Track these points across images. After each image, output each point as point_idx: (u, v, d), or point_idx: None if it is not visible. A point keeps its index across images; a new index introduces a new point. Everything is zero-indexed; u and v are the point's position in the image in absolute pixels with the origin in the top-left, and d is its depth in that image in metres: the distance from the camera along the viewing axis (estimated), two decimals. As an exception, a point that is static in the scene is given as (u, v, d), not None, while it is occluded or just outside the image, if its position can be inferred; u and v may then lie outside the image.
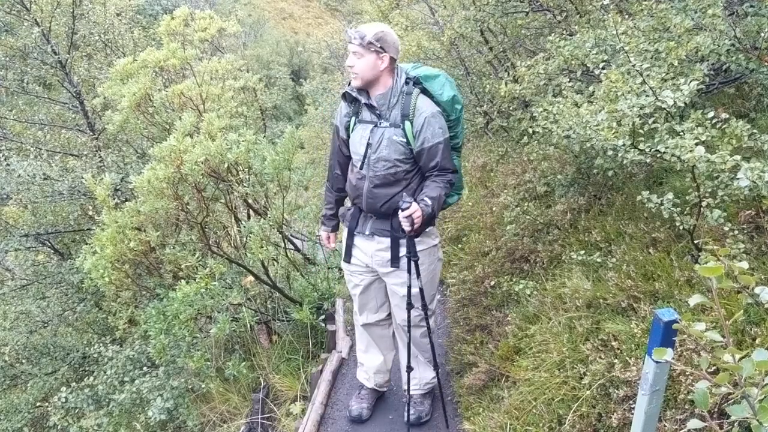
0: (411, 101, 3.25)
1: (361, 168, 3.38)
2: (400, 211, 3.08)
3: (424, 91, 3.34)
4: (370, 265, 3.62)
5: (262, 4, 37.86)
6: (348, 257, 3.69)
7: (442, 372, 4.59)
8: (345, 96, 3.38)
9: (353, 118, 3.40)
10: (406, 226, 3.12)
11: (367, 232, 3.53)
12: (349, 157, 3.51)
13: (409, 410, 3.94)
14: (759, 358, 0.98)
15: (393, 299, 3.73)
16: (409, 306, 3.49)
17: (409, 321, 3.58)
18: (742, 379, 0.99)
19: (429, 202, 3.19)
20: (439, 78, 3.38)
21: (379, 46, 3.17)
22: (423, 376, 4.02)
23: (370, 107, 3.31)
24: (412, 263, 3.34)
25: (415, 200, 3.18)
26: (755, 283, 1.18)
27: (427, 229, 3.54)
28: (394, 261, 3.51)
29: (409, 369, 3.80)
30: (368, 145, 3.31)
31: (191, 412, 5.67)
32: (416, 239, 3.41)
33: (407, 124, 3.24)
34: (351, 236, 3.63)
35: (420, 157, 3.31)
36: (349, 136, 3.44)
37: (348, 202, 3.78)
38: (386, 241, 3.49)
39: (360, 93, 3.30)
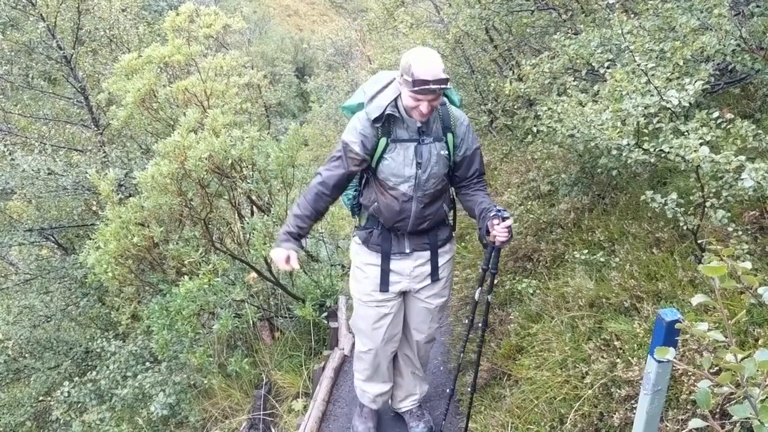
0: (448, 112, 3.09)
1: (408, 190, 3.08)
2: (499, 221, 2.87)
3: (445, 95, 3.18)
4: (405, 288, 3.37)
5: (267, 1, 37.88)
6: (386, 286, 3.34)
7: (444, 370, 4.61)
8: (377, 119, 2.99)
9: (383, 139, 3.01)
10: (504, 236, 2.90)
11: (407, 250, 3.28)
12: (349, 180, 3.22)
13: (414, 424, 3.91)
14: (761, 358, 0.98)
15: (420, 316, 3.51)
16: (471, 322, 3.40)
17: (430, 336, 3.54)
18: (744, 379, 0.99)
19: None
20: None
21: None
22: (422, 391, 3.98)
23: (412, 127, 3.02)
24: (489, 277, 3.15)
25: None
26: (758, 283, 1.18)
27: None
28: (434, 274, 3.36)
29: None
30: (418, 164, 3.02)
31: (193, 408, 5.69)
32: (445, 248, 3.37)
33: (449, 135, 3.07)
34: (387, 260, 3.30)
35: (461, 166, 3.16)
36: (378, 160, 3.06)
37: (356, 221, 3.51)
38: (426, 255, 3.32)
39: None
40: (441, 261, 3.36)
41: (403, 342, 3.66)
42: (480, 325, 3.38)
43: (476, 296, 3.30)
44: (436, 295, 3.43)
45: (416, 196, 3.09)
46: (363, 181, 3.30)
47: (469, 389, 3.59)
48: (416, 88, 2.76)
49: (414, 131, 3.01)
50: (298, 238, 3.18)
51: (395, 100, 2.99)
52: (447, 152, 3.08)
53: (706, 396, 1.05)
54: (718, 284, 1.07)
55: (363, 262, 3.38)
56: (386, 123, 2.99)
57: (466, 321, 3.50)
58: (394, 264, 3.31)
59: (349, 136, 3.04)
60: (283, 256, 3.07)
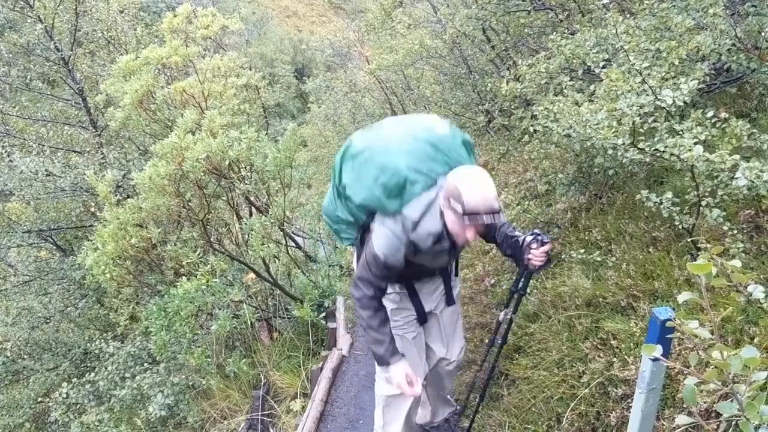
0: None
1: (441, 264, 2.96)
2: (538, 245, 2.70)
3: None
4: (429, 308, 3.18)
5: (266, 2, 37.85)
6: (423, 317, 3.15)
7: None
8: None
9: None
10: (541, 261, 2.72)
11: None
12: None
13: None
14: (747, 355, 0.99)
15: (446, 331, 3.31)
16: (504, 341, 3.26)
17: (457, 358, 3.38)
18: (731, 377, 0.99)
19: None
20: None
21: None
22: (448, 409, 3.83)
23: None
24: (516, 298, 3.04)
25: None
26: (750, 280, 1.19)
27: None
28: (449, 299, 3.22)
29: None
30: (450, 251, 2.82)
31: (192, 409, 5.69)
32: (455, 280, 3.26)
33: None
34: (416, 297, 3.10)
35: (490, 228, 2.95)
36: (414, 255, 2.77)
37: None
38: (440, 278, 3.17)
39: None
40: (454, 290, 3.24)
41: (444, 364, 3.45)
42: (499, 341, 3.27)
43: (500, 317, 3.14)
44: (452, 317, 3.29)
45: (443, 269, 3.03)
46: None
47: (464, 388, 3.59)
48: (466, 218, 2.45)
49: None
50: (395, 345, 2.82)
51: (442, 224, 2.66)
52: None
53: (692, 393, 1.05)
54: (704, 281, 1.08)
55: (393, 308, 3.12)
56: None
57: (487, 340, 3.38)
58: (423, 295, 3.13)
59: (392, 259, 2.69)
60: (404, 377, 2.73)
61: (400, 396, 3.16)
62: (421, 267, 2.91)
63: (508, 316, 3.13)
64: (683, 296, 1.16)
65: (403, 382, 2.72)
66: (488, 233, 2.93)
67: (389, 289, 2.99)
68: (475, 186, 2.46)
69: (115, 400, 5.82)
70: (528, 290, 3.07)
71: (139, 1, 10.95)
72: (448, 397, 3.75)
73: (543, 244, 2.67)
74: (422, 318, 3.11)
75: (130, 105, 6.77)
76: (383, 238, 2.68)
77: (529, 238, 2.71)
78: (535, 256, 2.68)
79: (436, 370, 3.42)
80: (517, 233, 2.83)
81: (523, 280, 2.91)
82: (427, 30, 8.32)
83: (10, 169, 7.52)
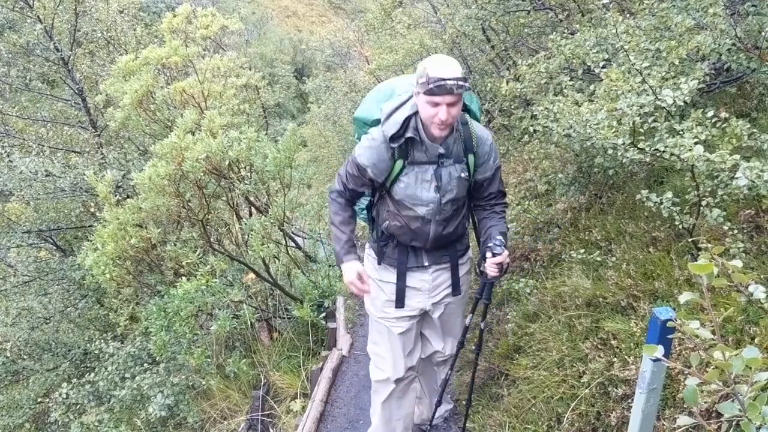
0: (471, 131, 2.87)
1: (426, 213, 2.90)
2: (490, 256, 2.76)
3: (467, 111, 2.98)
4: (424, 306, 3.16)
5: (266, 2, 37.87)
6: (401, 302, 3.13)
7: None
8: (395, 138, 2.77)
9: (399, 161, 2.81)
10: (495, 272, 2.78)
11: (426, 263, 3.09)
12: (361, 195, 3.07)
13: None
14: (749, 355, 0.98)
15: (443, 329, 3.35)
16: (461, 345, 3.28)
17: (455, 358, 3.40)
18: (732, 377, 0.99)
19: (504, 240, 2.83)
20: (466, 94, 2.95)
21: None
22: (445, 408, 3.88)
23: (432, 150, 2.82)
24: (482, 306, 3.09)
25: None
26: (752, 280, 1.18)
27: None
28: (456, 288, 3.18)
29: (439, 404, 3.61)
30: (437, 188, 2.84)
31: (192, 409, 5.69)
32: (464, 259, 3.20)
33: (471, 156, 2.87)
34: (403, 277, 3.10)
35: (481, 185, 2.98)
36: (393, 181, 2.87)
37: (370, 233, 3.29)
38: (446, 268, 3.15)
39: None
40: (461, 272, 3.19)
41: (434, 360, 3.52)
42: (474, 348, 3.36)
43: (467, 321, 3.21)
44: (456, 310, 3.29)
45: (435, 220, 2.92)
46: (377, 195, 3.07)
47: (465, 388, 3.59)
48: (432, 86, 2.53)
49: (434, 155, 2.81)
50: (354, 246, 2.96)
51: (414, 117, 2.77)
52: (467, 174, 2.88)
53: (693, 393, 1.05)
54: (705, 281, 1.08)
55: (377, 278, 3.17)
56: (404, 145, 2.78)
57: (457, 344, 3.37)
58: (411, 280, 3.11)
59: (362, 159, 2.83)
60: (355, 275, 2.86)
61: (383, 382, 3.31)
62: (405, 228, 2.96)
63: (480, 325, 3.20)
64: (684, 297, 1.16)
65: (353, 279, 2.86)
66: (480, 222, 3.05)
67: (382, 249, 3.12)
68: (438, 60, 2.62)
69: (114, 400, 5.81)
70: (491, 300, 3.14)
71: (138, 2, 10.95)
72: (446, 394, 3.77)
73: (494, 255, 2.75)
74: (400, 302, 3.13)
75: (129, 105, 6.77)
76: (363, 141, 2.90)
77: (487, 247, 2.80)
78: (488, 267, 2.78)
79: (430, 359, 3.50)
80: (491, 229, 2.92)
81: (485, 289, 2.99)
82: (427, 30, 8.32)
83: (10, 169, 7.52)
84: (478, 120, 3.03)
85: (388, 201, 2.97)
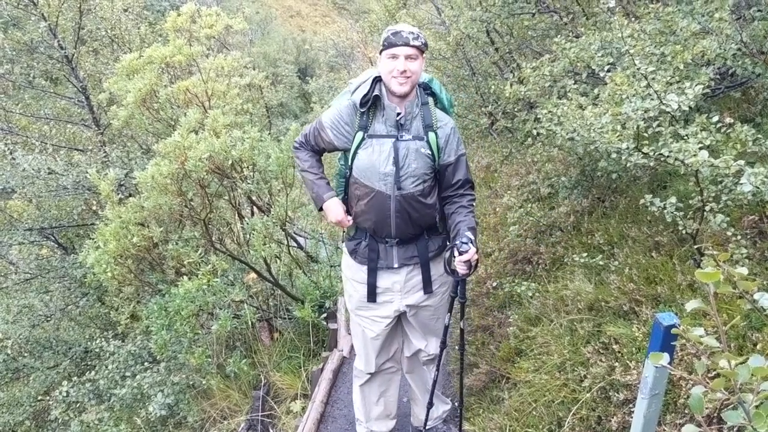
0: (430, 111, 2.95)
1: (384, 188, 2.92)
2: (456, 253, 2.76)
3: (432, 96, 3.05)
4: (398, 307, 3.20)
5: (270, 2, 37.92)
6: (373, 297, 3.19)
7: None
8: (364, 103, 2.88)
9: (359, 134, 2.91)
10: (464, 270, 2.78)
11: (395, 265, 3.11)
12: (322, 152, 3.17)
13: None
14: (755, 364, 0.98)
15: (423, 330, 3.37)
16: (443, 345, 3.26)
17: (440, 358, 3.36)
18: (738, 385, 0.98)
19: (473, 236, 2.81)
20: (434, 81, 3.10)
21: (426, 47, 2.86)
22: (441, 408, 3.86)
23: (390, 118, 2.90)
24: (457, 304, 3.09)
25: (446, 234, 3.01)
26: (756, 288, 1.18)
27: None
28: (427, 286, 3.16)
29: (431, 405, 3.56)
30: (395, 161, 2.86)
31: (192, 408, 5.69)
32: (438, 260, 3.15)
33: (431, 135, 2.91)
34: (373, 274, 3.14)
35: (444, 172, 2.99)
36: (353, 155, 2.94)
37: (344, 232, 3.32)
38: (417, 264, 3.14)
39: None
40: (434, 272, 3.16)
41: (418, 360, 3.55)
42: (458, 348, 3.40)
43: (446, 321, 3.18)
44: (432, 313, 3.28)
45: (394, 196, 2.91)
46: (346, 182, 3.11)
47: (466, 391, 3.58)
48: (389, 36, 2.78)
49: (392, 125, 2.88)
50: (329, 184, 3.13)
51: (380, 82, 2.90)
52: (430, 152, 2.91)
53: (699, 402, 1.05)
54: (713, 290, 1.07)
55: (351, 277, 3.26)
56: (367, 113, 2.90)
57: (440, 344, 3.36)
58: (383, 280, 3.15)
59: (325, 117, 3.02)
60: (342, 212, 3.04)
61: (359, 371, 3.52)
62: (368, 207, 2.99)
63: (459, 324, 3.22)
64: (691, 305, 1.15)
65: (342, 218, 3.04)
66: (449, 216, 3.03)
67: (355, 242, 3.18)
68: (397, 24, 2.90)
69: (115, 399, 5.82)
70: (467, 298, 3.12)
71: (143, 0, 10.96)
72: (440, 393, 3.79)
73: (461, 253, 2.74)
74: (371, 296, 3.19)
75: (133, 103, 6.77)
76: (331, 107, 3.08)
77: (456, 245, 2.78)
78: (457, 265, 2.79)
79: (417, 358, 3.54)
80: (459, 225, 2.90)
81: (458, 286, 2.97)
82: (431, 32, 8.31)
83: (13, 166, 7.52)
84: (447, 111, 3.11)
85: (351, 183, 3.03)
